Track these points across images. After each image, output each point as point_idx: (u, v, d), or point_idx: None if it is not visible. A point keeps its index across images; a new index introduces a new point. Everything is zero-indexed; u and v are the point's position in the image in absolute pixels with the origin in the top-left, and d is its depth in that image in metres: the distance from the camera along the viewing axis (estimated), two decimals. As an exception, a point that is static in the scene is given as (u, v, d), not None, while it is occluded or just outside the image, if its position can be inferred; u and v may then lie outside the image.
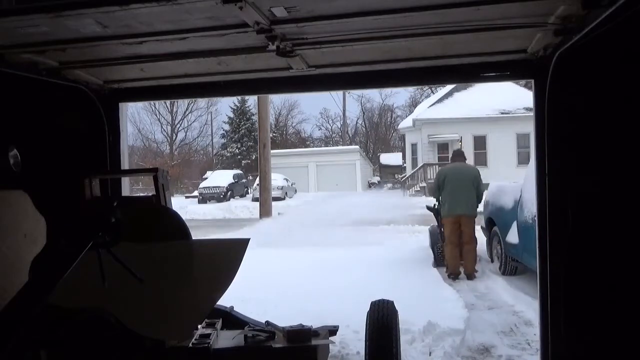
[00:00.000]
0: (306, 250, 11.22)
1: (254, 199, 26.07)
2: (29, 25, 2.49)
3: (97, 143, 3.83)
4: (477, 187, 8.44)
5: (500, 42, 3.08)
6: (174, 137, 50.44)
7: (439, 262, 9.17)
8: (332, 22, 2.61)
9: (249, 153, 43.71)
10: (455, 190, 8.42)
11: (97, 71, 3.49)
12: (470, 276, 8.39)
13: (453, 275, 8.39)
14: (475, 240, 8.54)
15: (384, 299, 3.80)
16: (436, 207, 9.27)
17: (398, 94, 60.27)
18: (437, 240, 9.51)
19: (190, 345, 3.03)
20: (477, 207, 8.58)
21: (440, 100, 32.31)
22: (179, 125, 50.77)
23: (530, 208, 7.03)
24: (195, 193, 34.21)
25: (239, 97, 42.94)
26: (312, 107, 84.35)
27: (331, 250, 11.12)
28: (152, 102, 39.91)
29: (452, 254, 8.48)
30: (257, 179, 18.66)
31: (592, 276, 2.84)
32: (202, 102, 47.42)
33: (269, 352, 3.10)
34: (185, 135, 51.58)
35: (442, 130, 30.83)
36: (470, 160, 30.94)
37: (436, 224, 9.52)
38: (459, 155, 9.15)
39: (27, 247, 2.58)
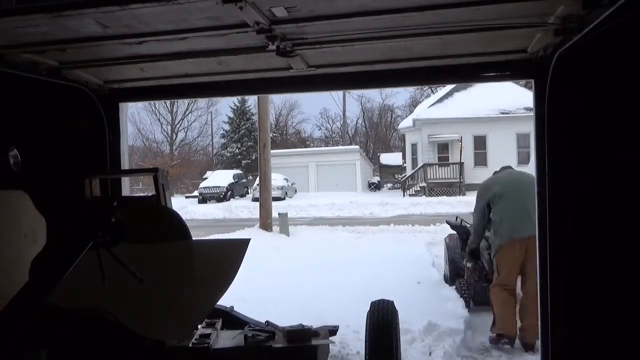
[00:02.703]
0: (306, 250, 11.23)
1: (254, 199, 26.06)
2: (29, 25, 2.49)
3: (97, 143, 3.83)
4: None
5: (500, 42, 3.08)
6: (174, 137, 50.42)
7: (467, 302, 6.23)
8: (332, 22, 2.61)
9: (249, 153, 43.69)
10: (518, 201, 5.15)
11: (97, 71, 3.49)
12: (532, 346, 5.00)
13: (507, 340, 5.12)
14: None
15: (384, 299, 3.80)
16: (463, 223, 6.93)
17: (398, 94, 60.23)
18: (458, 267, 6.86)
19: (190, 345, 3.04)
20: None
21: (440, 100, 32.29)
22: (179, 125, 50.77)
23: (530, 208, 6.98)
24: (195, 193, 34.19)
25: (239, 97, 42.93)
26: (312, 107, 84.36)
27: (331, 250, 11.13)
28: (152, 102, 39.91)
29: (506, 304, 5.19)
30: (257, 179, 18.66)
31: (593, 276, 2.83)
32: (202, 102, 47.40)
33: (269, 352, 3.10)
34: (185, 135, 51.60)
35: (442, 130, 30.81)
36: (470, 160, 31.03)
37: (454, 233, 7.14)
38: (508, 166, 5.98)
39: (27, 247, 2.58)
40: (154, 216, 3.11)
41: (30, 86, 3.22)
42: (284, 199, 29.68)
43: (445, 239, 7.90)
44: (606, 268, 2.73)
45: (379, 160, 44.80)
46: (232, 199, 31.18)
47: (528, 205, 4.72)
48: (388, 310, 3.68)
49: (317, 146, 50.86)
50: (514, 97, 29.24)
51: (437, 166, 30.78)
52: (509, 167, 5.82)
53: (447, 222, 7.55)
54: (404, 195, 30.43)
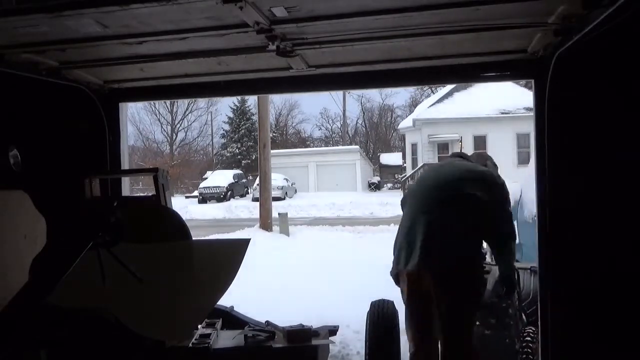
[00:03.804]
0: (306, 250, 11.23)
1: (254, 199, 26.06)
2: (29, 25, 2.49)
3: (97, 143, 3.83)
4: (488, 211, 3.30)
5: (500, 42, 3.08)
6: (174, 137, 50.40)
7: None
8: (332, 22, 2.61)
9: (249, 153, 43.69)
10: (417, 216, 3.46)
11: (97, 71, 3.49)
12: None
13: None
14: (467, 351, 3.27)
15: (384, 299, 3.80)
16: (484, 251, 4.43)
17: (398, 94, 60.16)
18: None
19: (190, 345, 3.04)
20: (476, 254, 3.36)
21: (440, 100, 32.29)
22: (179, 125, 50.73)
23: (530, 208, 7.02)
24: (195, 193, 34.19)
25: (239, 97, 42.95)
26: (312, 107, 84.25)
27: (331, 249, 11.13)
28: (152, 102, 39.91)
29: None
30: (257, 179, 18.66)
31: (593, 276, 2.84)
32: (202, 102, 47.38)
33: (269, 352, 3.11)
34: (185, 135, 51.56)
35: (442, 130, 30.81)
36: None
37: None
38: (482, 156, 3.94)
39: (27, 247, 2.58)
40: (154, 216, 3.11)
41: (30, 86, 3.22)
42: (284, 199, 29.67)
43: None
44: (606, 268, 2.74)
45: (379, 160, 44.78)
46: (232, 199, 31.19)
47: (432, 224, 3.24)
48: (388, 310, 3.68)
49: (317, 146, 50.83)
50: (514, 97, 29.23)
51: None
52: (459, 156, 3.77)
53: None
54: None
